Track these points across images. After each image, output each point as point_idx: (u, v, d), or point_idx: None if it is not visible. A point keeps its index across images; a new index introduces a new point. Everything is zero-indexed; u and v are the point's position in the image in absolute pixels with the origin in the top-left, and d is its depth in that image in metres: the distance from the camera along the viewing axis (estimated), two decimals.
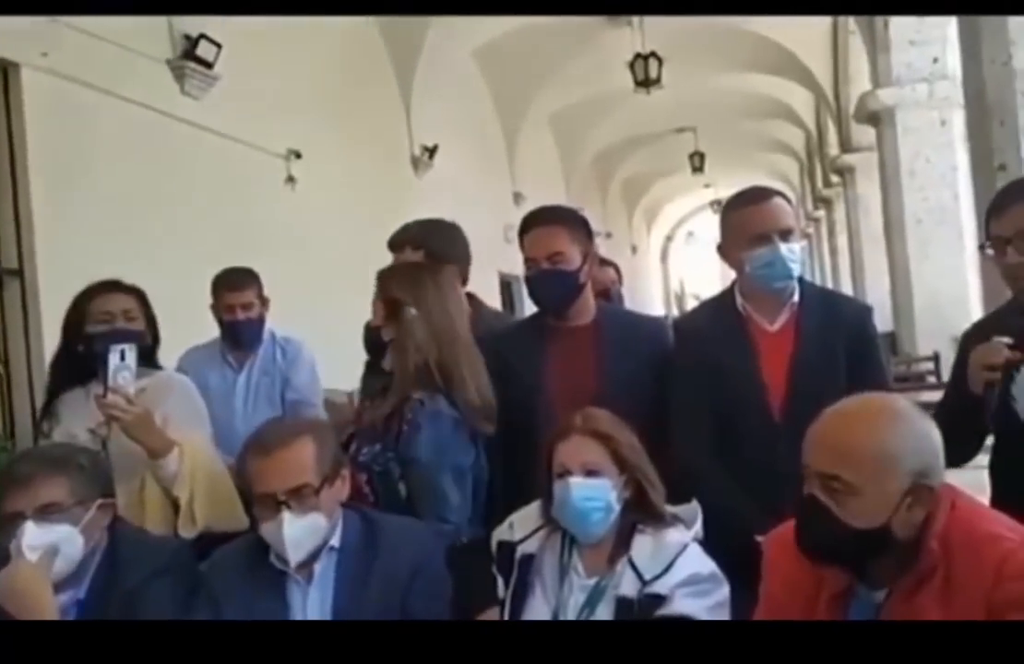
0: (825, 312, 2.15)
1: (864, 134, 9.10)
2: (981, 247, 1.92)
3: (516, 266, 2.54)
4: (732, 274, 2.23)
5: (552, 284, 2.21)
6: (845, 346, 2.10)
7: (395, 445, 2.02)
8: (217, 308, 3.04)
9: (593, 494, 1.72)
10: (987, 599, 1.28)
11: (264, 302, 3.09)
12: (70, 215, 4.11)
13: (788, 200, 2.20)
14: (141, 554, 1.82)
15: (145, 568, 1.78)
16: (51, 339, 3.95)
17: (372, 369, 2.24)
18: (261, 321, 3.07)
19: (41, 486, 1.72)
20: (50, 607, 1.64)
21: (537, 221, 2.27)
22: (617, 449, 1.74)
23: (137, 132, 4.56)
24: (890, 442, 1.34)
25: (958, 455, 1.93)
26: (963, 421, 1.85)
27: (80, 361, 2.27)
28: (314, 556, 1.75)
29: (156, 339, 2.39)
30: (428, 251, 2.42)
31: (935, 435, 1.38)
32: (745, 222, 2.12)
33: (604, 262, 4.19)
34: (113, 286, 2.34)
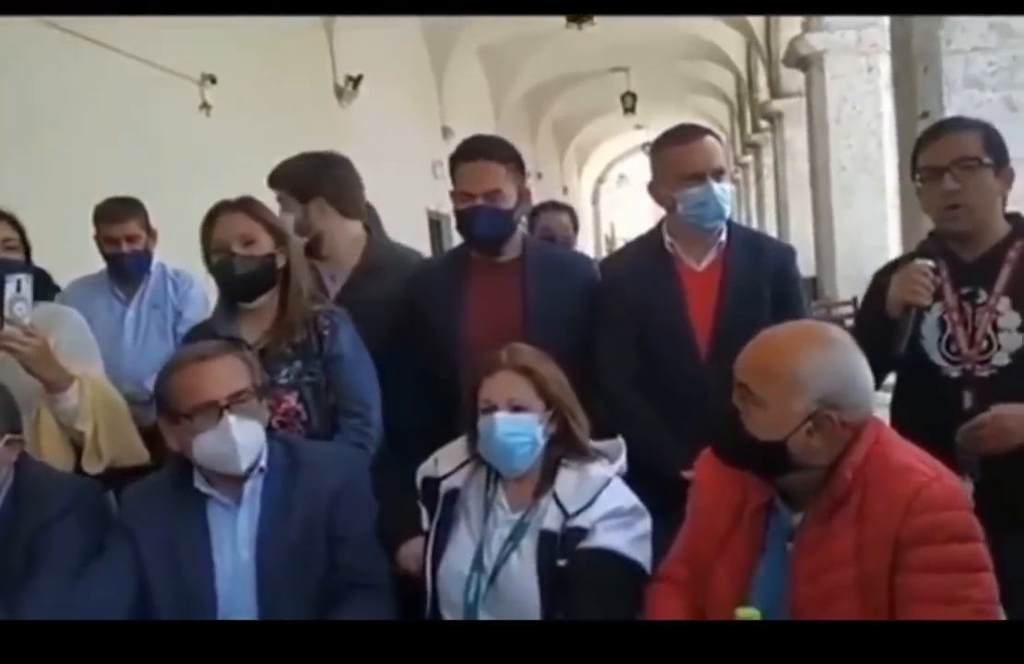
0: (750, 253, 2.17)
1: (793, 80, 9.22)
2: (913, 177, 1.94)
3: (444, 203, 2.47)
4: (661, 214, 2.22)
5: (488, 222, 2.15)
6: (770, 287, 2.12)
7: (319, 353, 2.06)
8: (99, 240, 2.93)
9: (519, 429, 1.70)
10: (896, 530, 1.31)
11: (151, 234, 2.98)
12: None
13: (719, 139, 2.20)
14: (47, 491, 1.76)
15: (52, 506, 1.72)
16: None
17: (248, 299, 2.11)
18: (147, 254, 2.97)
19: None
20: None
21: (474, 154, 2.18)
22: (543, 384, 1.72)
23: (43, 49, 4.26)
24: (801, 365, 1.37)
25: None
26: (869, 354, 1.90)
27: None
28: (251, 469, 1.73)
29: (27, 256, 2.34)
30: (291, 190, 2.38)
31: (855, 369, 1.40)
32: (678, 160, 2.11)
33: (558, 206, 4.10)
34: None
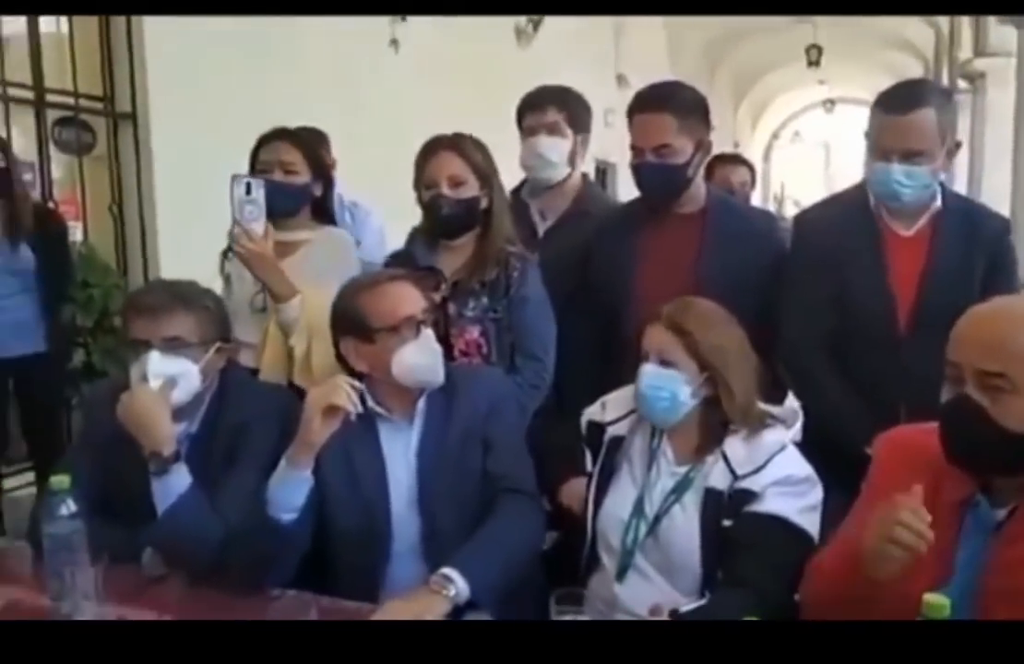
0: (964, 223, 2.02)
1: (1003, 38, 8.38)
2: None
3: (613, 153, 2.47)
4: (838, 180, 2.11)
5: (657, 177, 2.12)
6: (982, 262, 1.98)
7: (505, 293, 2.14)
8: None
9: (661, 383, 1.70)
10: None
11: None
12: (184, 59, 4.16)
13: (946, 100, 2.00)
14: (247, 395, 1.91)
15: (250, 408, 1.86)
16: (162, 181, 4.13)
17: (450, 236, 2.20)
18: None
19: (169, 319, 1.79)
20: (167, 433, 1.73)
21: (646, 106, 2.13)
22: (695, 346, 1.69)
23: None
24: None
25: None
26: None
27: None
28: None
29: (328, 189, 2.39)
30: (570, 115, 2.42)
31: None
32: (875, 126, 2.00)
33: (738, 159, 3.98)
34: (274, 135, 2.33)
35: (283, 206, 2.29)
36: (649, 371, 1.71)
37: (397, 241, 2.49)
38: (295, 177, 2.29)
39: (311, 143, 2.38)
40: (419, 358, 1.79)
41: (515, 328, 2.15)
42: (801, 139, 23.74)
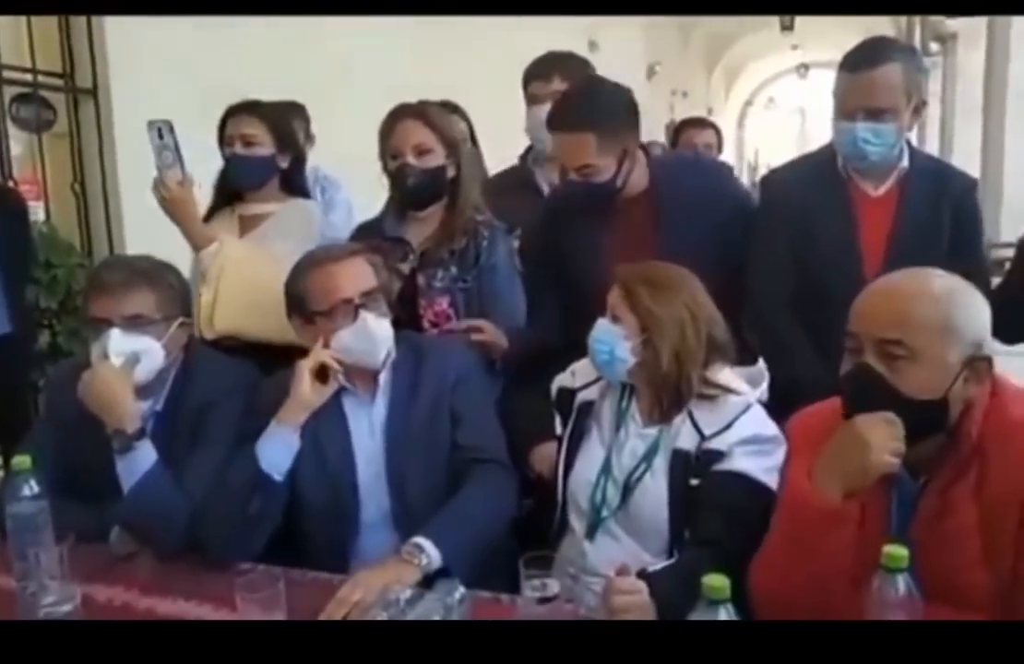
0: (932, 182, 2.03)
1: None
2: None
3: None
4: (813, 145, 2.12)
5: (585, 195, 2.04)
6: (949, 220, 1.99)
7: (475, 262, 2.12)
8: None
9: (602, 337, 1.73)
10: (1022, 494, 1.23)
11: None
12: (146, 31, 4.07)
13: (911, 57, 2.00)
14: (213, 372, 1.89)
15: (216, 386, 1.85)
16: (125, 159, 4.05)
17: (419, 207, 2.18)
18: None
19: (129, 296, 1.77)
20: (131, 410, 1.72)
21: (563, 125, 2.01)
22: (637, 306, 1.70)
23: None
24: (953, 310, 1.28)
25: (1019, 329, 1.93)
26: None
27: (224, 182, 2.33)
28: (384, 362, 1.82)
29: (298, 161, 2.38)
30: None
31: (988, 311, 1.33)
32: (840, 85, 2.00)
33: (703, 122, 3.99)
34: (239, 108, 2.32)
35: (245, 179, 2.30)
36: (598, 324, 1.74)
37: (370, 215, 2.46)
38: (257, 149, 2.28)
39: (276, 115, 2.36)
40: (352, 343, 1.77)
41: (484, 298, 2.13)
42: (775, 105, 23.79)
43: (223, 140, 2.30)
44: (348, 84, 5.02)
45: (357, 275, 1.80)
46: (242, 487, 1.69)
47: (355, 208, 3.16)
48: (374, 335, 1.77)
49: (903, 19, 13.89)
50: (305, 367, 1.73)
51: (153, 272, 1.83)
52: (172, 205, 2.08)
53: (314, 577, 1.65)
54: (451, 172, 2.15)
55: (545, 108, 2.32)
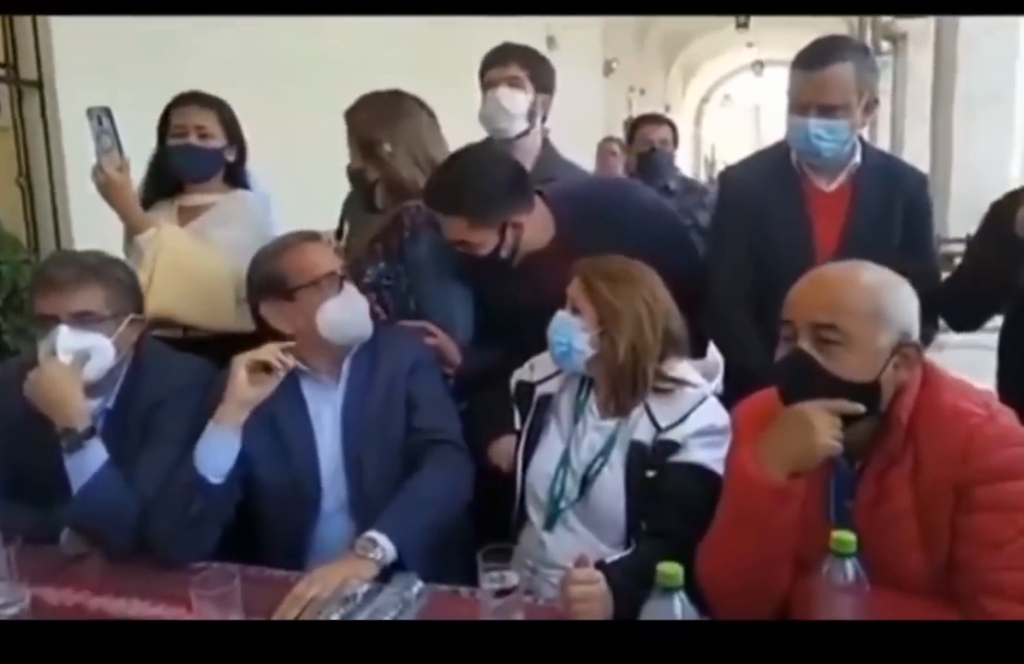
0: (884, 178, 2.07)
1: None
2: None
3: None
4: (766, 140, 2.14)
5: (472, 262, 1.98)
6: (901, 215, 2.04)
7: (400, 256, 2.05)
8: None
9: (560, 329, 1.74)
10: (954, 479, 1.28)
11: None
12: (90, 24, 3.98)
13: (862, 56, 2.03)
14: (165, 370, 1.85)
15: (170, 383, 1.82)
16: (72, 152, 3.95)
17: (369, 209, 2.18)
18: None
19: (78, 293, 1.73)
20: (80, 408, 1.68)
21: (438, 206, 1.95)
22: (595, 298, 1.71)
23: None
24: (883, 298, 1.33)
25: (970, 318, 2.02)
26: (979, 283, 1.89)
27: (167, 171, 2.30)
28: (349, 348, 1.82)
29: (242, 156, 2.37)
30: (533, 72, 2.38)
31: (916, 301, 1.38)
32: (793, 84, 2.03)
33: (658, 119, 4.02)
34: (189, 99, 2.29)
35: (198, 170, 2.27)
36: (557, 316, 1.75)
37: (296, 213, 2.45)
38: (210, 141, 2.27)
39: (226, 108, 2.34)
40: (344, 313, 1.78)
41: (416, 296, 2.07)
42: (731, 102, 24.08)
43: (166, 131, 2.27)
44: (295, 82, 4.95)
45: (330, 253, 1.84)
46: (183, 488, 1.65)
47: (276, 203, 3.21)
48: (363, 305, 1.80)
49: (855, 18, 14.17)
50: (240, 362, 1.67)
51: (102, 268, 1.79)
52: (110, 190, 2.06)
53: (270, 574, 1.63)
54: (373, 177, 2.12)
55: (500, 91, 2.35)
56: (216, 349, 1.98)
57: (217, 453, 1.66)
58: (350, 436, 1.80)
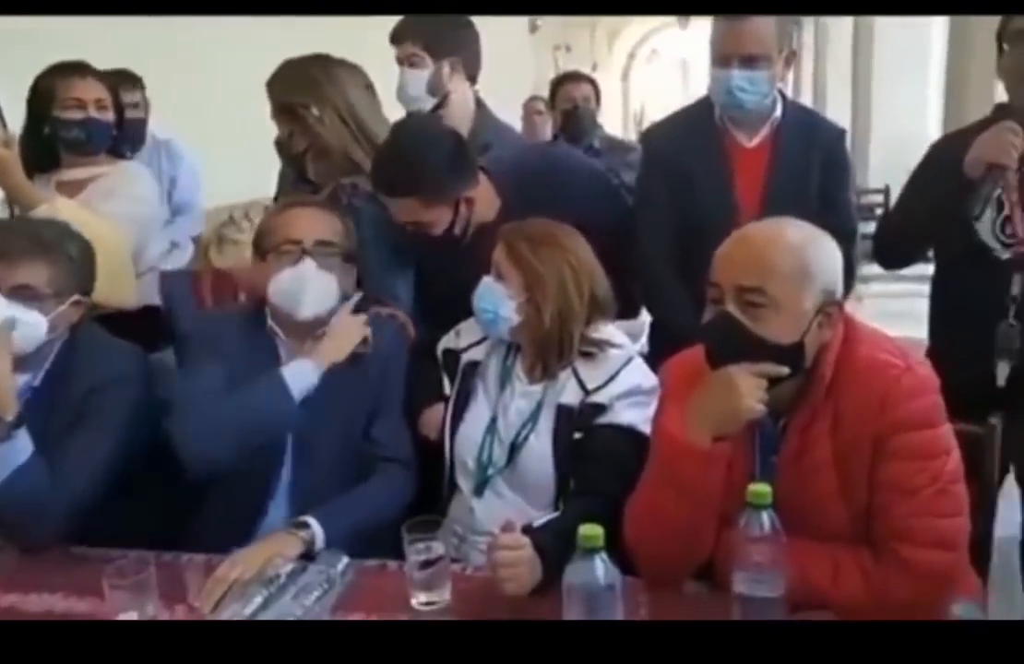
0: (803, 132, 2.09)
1: None
2: (999, 37, 1.89)
3: None
4: (695, 95, 2.15)
5: (425, 241, 1.94)
6: (819, 168, 2.06)
7: None
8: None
9: (485, 296, 1.72)
10: (874, 429, 1.31)
11: (147, 104, 3.15)
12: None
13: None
14: (101, 355, 1.75)
15: (106, 370, 1.72)
16: None
17: (303, 179, 2.13)
18: (144, 122, 3.12)
19: (21, 266, 1.64)
20: (11, 398, 1.57)
21: (389, 191, 1.90)
22: (520, 264, 1.69)
23: None
24: (808, 258, 1.34)
25: (902, 256, 2.08)
26: (914, 226, 1.96)
27: (46, 146, 2.21)
28: (314, 323, 1.78)
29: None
30: (427, 42, 2.25)
31: (839, 256, 1.39)
32: (715, 35, 2.02)
33: (580, 76, 3.99)
34: (85, 70, 2.23)
35: (97, 144, 2.25)
36: (482, 283, 1.73)
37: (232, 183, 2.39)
38: (106, 113, 2.25)
39: (112, 79, 2.35)
40: (285, 284, 1.74)
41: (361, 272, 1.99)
42: (659, 57, 24.12)
43: (52, 101, 2.20)
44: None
45: (316, 222, 1.79)
46: (261, 408, 1.68)
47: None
48: (306, 285, 1.73)
49: None
50: (359, 319, 1.79)
51: (56, 243, 1.70)
52: None
53: (189, 558, 1.59)
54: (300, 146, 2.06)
55: (402, 72, 2.26)
56: (117, 326, 1.90)
57: (304, 383, 1.70)
58: (306, 415, 1.73)
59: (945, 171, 1.88)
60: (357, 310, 1.85)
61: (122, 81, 3.01)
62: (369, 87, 2.15)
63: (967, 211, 1.82)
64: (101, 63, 2.34)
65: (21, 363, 1.65)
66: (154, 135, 3.16)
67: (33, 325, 1.64)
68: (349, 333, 1.77)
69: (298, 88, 2.05)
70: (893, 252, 2.11)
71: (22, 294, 1.63)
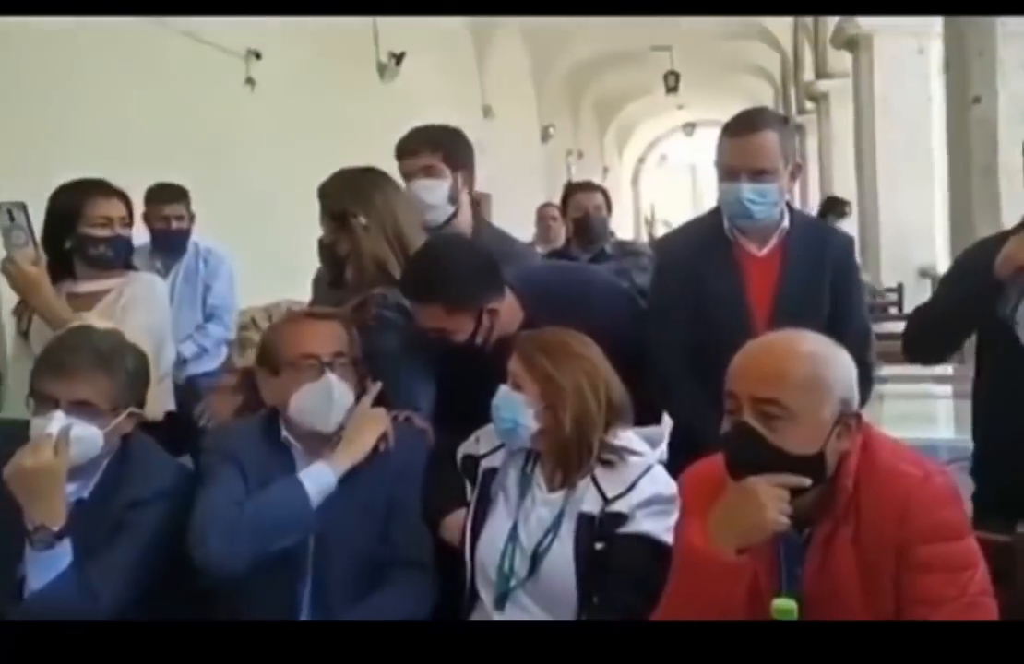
0: (812, 241, 2.15)
1: (840, 61, 9.00)
2: None
3: (482, 184, 2.46)
4: (706, 198, 2.19)
5: (450, 349, 1.99)
6: (830, 276, 2.10)
7: (364, 341, 2.00)
8: (149, 217, 3.34)
9: (504, 405, 1.73)
10: (896, 539, 1.30)
11: (192, 217, 3.41)
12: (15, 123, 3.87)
13: (784, 126, 2.14)
14: (150, 468, 1.77)
15: (153, 484, 1.74)
16: None
17: (335, 285, 2.17)
18: (188, 233, 3.40)
19: (81, 381, 1.67)
20: (59, 509, 1.60)
21: (415, 296, 1.96)
22: (538, 374, 1.70)
23: (88, 22, 4.30)
24: (823, 369, 1.35)
25: (934, 352, 2.12)
26: (944, 324, 2.00)
27: (62, 259, 2.27)
28: (337, 430, 1.81)
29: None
30: (446, 154, 2.32)
31: (854, 368, 1.41)
32: (722, 151, 2.10)
33: (591, 186, 4.09)
34: (111, 191, 2.33)
35: (120, 259, 2.35)
36: (500, 393, 1.74)
37: (253, 286, 2.43)
38: (128, 230, 2.37)
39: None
40: (309, 400, 1.77)
41: (377, 380, 1.99)
42: (667, 162, 24.70)
43: (78, 221, 2.27)
44: (217, 156, 4.93)
45: (330, 335, 1.82)
46: (280, 516, 1.69)
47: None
48: (333, 399, 1.76)
49: (778, 80, 14.77)
50: (381, 420, 1.81)
51: (113, 356, 1.73)
52: (26, 285, 2.09)
53: None
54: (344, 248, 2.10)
55: (418, 184, 2.30)
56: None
57: (322, 486, 1.72)
58: (324, 525, 1.74)
59: (976, 271, 1.91)
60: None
61: (169, 194, 3.34)
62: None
63: (998, 312, 1.84)
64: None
65: (73, 473, 1.67)
66: (196, 242, 3.40)
67: (90, 440, 1.66)
68: (366, 434, 1.78)
69: (351, 197, 2.11)
70: (923, 347, 2.13)
71: (83, 409, 1.65)
